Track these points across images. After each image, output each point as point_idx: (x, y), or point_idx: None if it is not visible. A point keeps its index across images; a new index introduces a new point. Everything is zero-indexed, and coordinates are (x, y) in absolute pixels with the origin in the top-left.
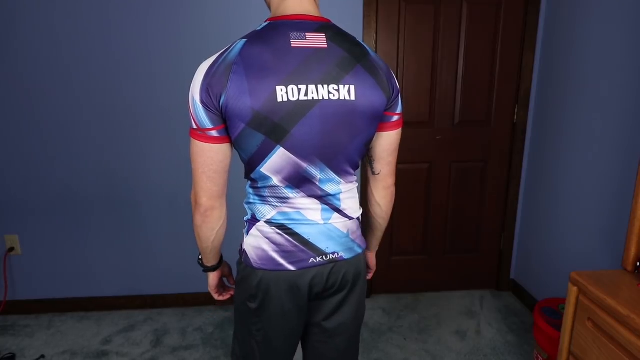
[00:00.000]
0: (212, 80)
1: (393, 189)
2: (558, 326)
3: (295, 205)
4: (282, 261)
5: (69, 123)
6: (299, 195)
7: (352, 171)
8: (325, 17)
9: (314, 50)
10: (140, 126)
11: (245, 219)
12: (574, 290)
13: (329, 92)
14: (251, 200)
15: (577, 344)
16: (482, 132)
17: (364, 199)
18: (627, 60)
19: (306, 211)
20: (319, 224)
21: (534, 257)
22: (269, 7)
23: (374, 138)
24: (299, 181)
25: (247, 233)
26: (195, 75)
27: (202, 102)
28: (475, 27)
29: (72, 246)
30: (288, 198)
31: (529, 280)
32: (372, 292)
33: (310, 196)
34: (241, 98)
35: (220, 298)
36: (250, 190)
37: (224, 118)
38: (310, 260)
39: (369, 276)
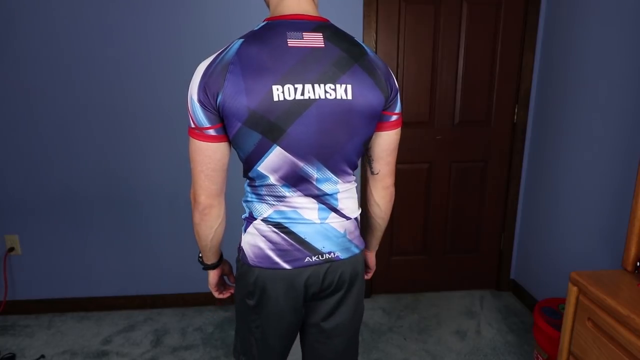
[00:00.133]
0: (209, 79)
1: (392, 189)
2: (558, 326)
3: (291, 204)
4: (277, 259)
5: (69, 123)
6: (296, 194)
7: (350, 171)
8: (325, 17)
9: (310, 49)
10: (140, 126)
11: (243, 216)
12: (574, 290)
13: (326, 92)
14: (249, 199)
15: (577, 344)
16: (482, 132)
17: (363, 199)
18: (627, 61)
19: (303, 210)
20: (315, 223)
21: (534, 257)
22: (268, 6)
23: (373, 138)
24: (296, 180)
25: (245, 231)
26: (194, 74)
27: (199, 101)
28: (475, 27)
29: (72, 246)
30: (285, 197)
31: (529, 280)
32: (372, 292)
33: (307, 195)
34: (237, 97)
35: (221, 296)
36: (248, 189)
37: (221, 117)
38: (306, 260)
39: (369, 276)
